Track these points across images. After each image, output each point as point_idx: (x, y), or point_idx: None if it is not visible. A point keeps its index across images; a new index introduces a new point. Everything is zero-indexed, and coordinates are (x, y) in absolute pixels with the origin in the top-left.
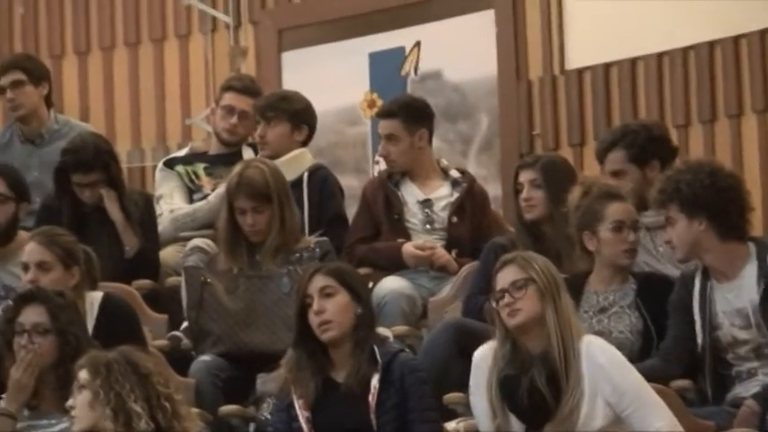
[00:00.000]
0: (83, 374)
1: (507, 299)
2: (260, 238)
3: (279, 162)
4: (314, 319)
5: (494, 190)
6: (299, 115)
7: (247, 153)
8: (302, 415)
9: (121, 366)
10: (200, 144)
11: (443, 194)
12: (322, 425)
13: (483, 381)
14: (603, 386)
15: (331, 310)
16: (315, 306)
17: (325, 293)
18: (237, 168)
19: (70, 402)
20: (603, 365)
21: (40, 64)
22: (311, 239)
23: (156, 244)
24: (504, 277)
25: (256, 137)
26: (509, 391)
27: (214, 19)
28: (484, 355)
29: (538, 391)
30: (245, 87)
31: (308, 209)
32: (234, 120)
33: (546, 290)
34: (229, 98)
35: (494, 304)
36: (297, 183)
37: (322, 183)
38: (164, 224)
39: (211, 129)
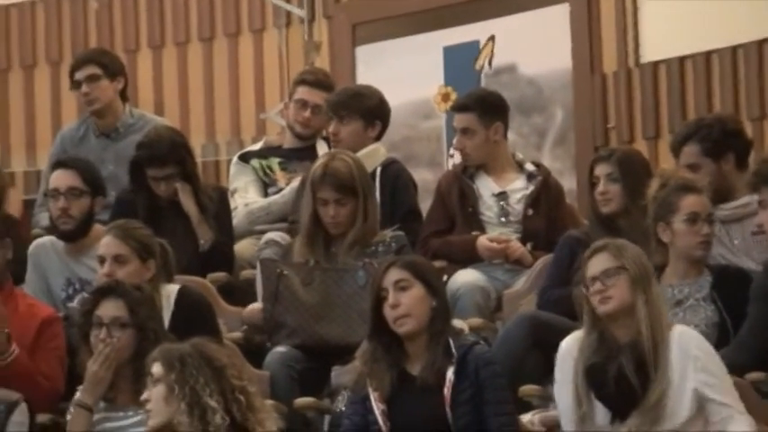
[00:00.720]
0: (156, 368)
1: (598, 286)
2: (340, 230)
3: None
4: (389, 313)
5: (568, 183)
6: (371, 112)
7: (321, 147)
8: (377, 407)
9: (195, 360)
10: (274, 138)
11: (519, 187)
12: (397, 417)
13: (568, 372)
14: (695, 376)
15: (406, 304)
16: (390, 299)
17: (401, 286)
18: (323, 159)
19: (145, 396)
20: (699, 356)
21: (116, 58)
22: (387, 233)
23: (230, 237)
24: (596, 265)
25: (330, 133)
26: (596, 379)
27: (288, 13)
28: (569, 347)
29: (625, 378)
30: (318, 81)
31: (380, 203)
32: (307, 113)
33: (637, 279)
34: (302, 92)
35: (584, 291)
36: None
37: (395, 177)
38: (238, 217)
39: (285, 123)
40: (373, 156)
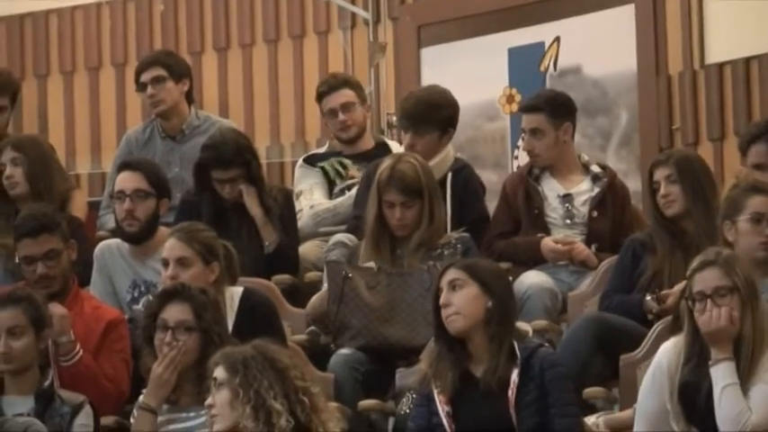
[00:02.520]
0: (220, 373)
1: (709, 305)
2: (405, 232)
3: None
4: (442, 312)
5: (633, 184)
6: (448, 121)
7: (394, 146)
8: (442, 409)
9: (258, 362)
10: (337, 143)
11: (584, 189)
12: (462, 419)
13: (660, 379)
14: None
15: (457, 303)
16: (441, 298)
17: (453, 285)
18: (389, 162)
19: (209, 401)
20: None
21: (181, 60)
22: (453, 235)
23: (295, 239)
24: (707, 280)
25: (404, 146)
26: (688, 399)
27: (353, 15)
28: (667, 352)
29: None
30: (333, 85)
31: (450, 208)
32: (341, 117)
33: (747, 299)
34: (326, 102)
35: (689, 304)
36: (441, 182)
37: (465, 182)
38: (304, 219)
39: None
40: (445, 160)
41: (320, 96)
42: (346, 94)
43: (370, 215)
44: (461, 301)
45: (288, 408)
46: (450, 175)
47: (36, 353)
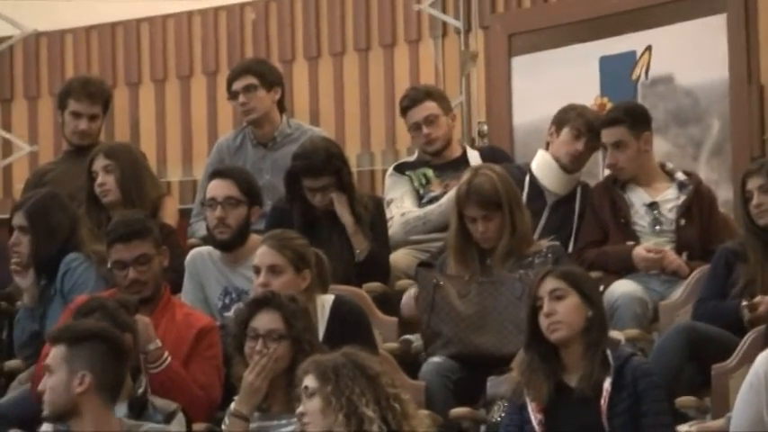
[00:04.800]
0: (310, 381)
1: None
2: (491, 244)
3: (572, 176)
4: (543, 321)
5: (725, 194)
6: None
7: (473, 156)
8: (535, 418)
9: (349, 370)
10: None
11: (670, 197)
12: (554, 428)
13: (757, 388)
14: None
15: (561, 312)
16: (545, 308)
17: (556, 296)
18: (466, 176)
19: (301, 409)
20: None
21: (273, 69)
22: (544, 243)
23: (386, 247)
24: None
25: (576, 150)
26: None
27: (444, 24)
28: (764, 361)
29: None
30: (415, 99)
31: (576, 222)
32: (426, 130)
33: None
34: (411, 116)
35: None
36: (570, 197)
37: (585, 197)
38: (395, 227)
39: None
40: (578, 176)
41: (404, 111)
42: (429, 107)
43: (451, 230)
44: (566, 312)
45: (380, 414)
46: (579, 190)
47: None
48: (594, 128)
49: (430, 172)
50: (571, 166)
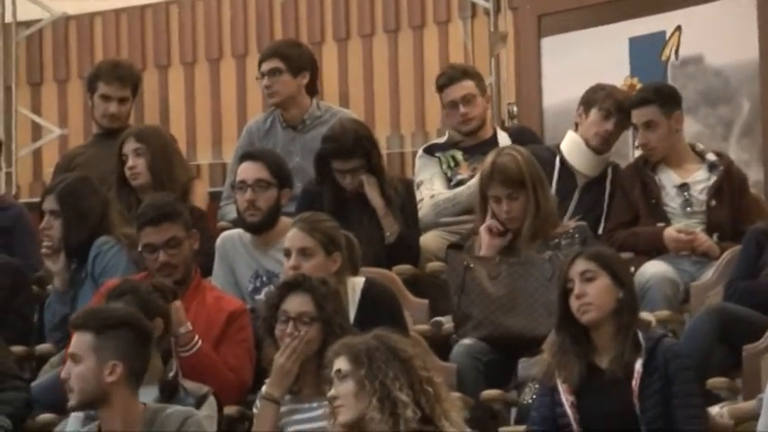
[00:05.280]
0: (343, 364)
1: None
2: (516, 224)
3: (602, 157)
4: (574, 303)
5: (755, 174)
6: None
7: (503, 139)
8: (566, 399)
9: (382, 353)
10: (456, 133)
11: (701, 178)
12: (586, 409)
13: None
14: None
15: (592, 294)
16: (576, 290)
17: (587, 277)
18: (490, 157)
19: (332, 392)
20: None
21: (304, 53)
22: (570, 224)
23: (416, 229)
24: None
25: (605, 131)
26: None
27: (473, 5)
28: None
29: None
30: (453, 76)
31: (607, 203)
32: (462, 109)
33: None
34: (446, 95)
35: None
36: (601, 178)
37: (614, 179)
38: (424, 210)
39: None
40: (607, 157)
41: (440, 88)
42: (467, 86)
43: (478, 212)
44: (597, 293)
45: (413, 398)
46: (610, 171)
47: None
48: (624, 108)
49: (459, 154)
50: (600, 146)
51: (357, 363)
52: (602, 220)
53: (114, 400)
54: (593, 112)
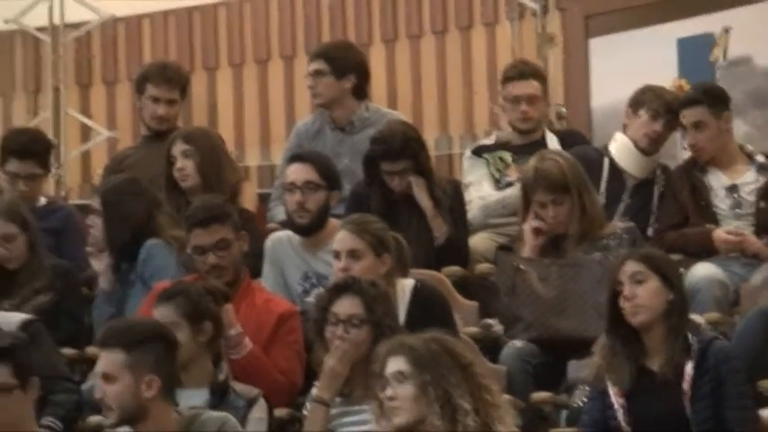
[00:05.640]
0: (403, 365)
1: None
2: (562, 229)
3: (651, 158)
4: (624, 305)
5: None
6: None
7: (551, 141)
8: (617, 402)
9: (445, 359)
10: (504, 134)
11: (750, 180)
12: (636, 412)
13: None
14: None
15: (642, 296)
16: (626, 292)
17: (636, 279)
18: (532, 162)
19: (390, 393)
20: None
21: (350, 56)
22: (618, 225)
23: (465, 231)
24: None
25: (654, 131)
26: None
27: (521, 6)
28: None
29: None
30: (522, 72)
31: (656, 205)
32: (523, 107)
33: None
34: (511, 88)
35: None
36: (650, 179)
37: (667, 180)
38: (473, 211)
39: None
40: (656, 158)
41: (507, 80)
42: (534, 86)
43: (520, 217)
44: (646, 295)
45: (473, 406)
46: (659, 171)
47: (196, 346)
48: (673, 108)
49: (507, 155)
50: (649, 148)
51: (419, 366)
52: (652, 222)
53: (152, 413)
54: (642, 114)
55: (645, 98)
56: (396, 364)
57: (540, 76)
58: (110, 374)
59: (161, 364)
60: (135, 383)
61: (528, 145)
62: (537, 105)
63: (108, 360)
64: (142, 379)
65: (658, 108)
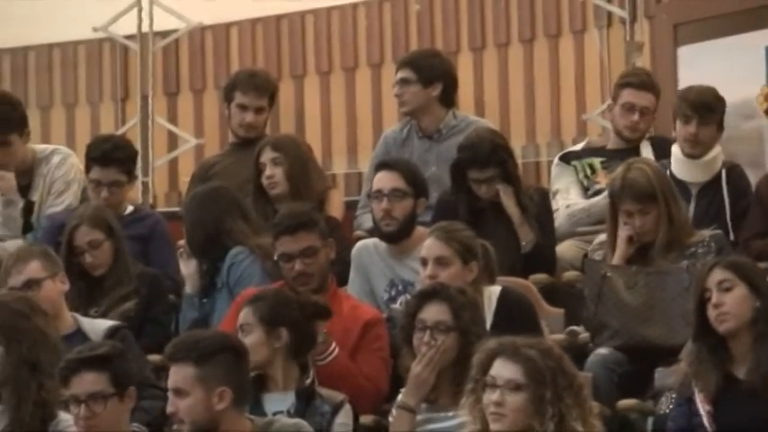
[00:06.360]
0: (517, 374)
1: None
2: (650, 237)
3: (702, 161)
4: (712, 312)
5: None
6: (723, 116)
7: (646, 149)
8: (703, 409)
9: (562, 378)
10: (596, 139)
11: None
12: (723, 419)
13: None
14: None
15: (729, 303)
16: (713, 299)
17: (724, 287)
18: (619, 171)
19: (496, 398)
20: None
21: (437, 64)
22: (706, 233)
23: (552, 239)
24: None
25: (689, 134)
26: None
27: (609, 14)
28: None
29: None
30: (643, 83)
31: (729, 207)
32: (635, 117)
33: None
34: (628, 95)
35: None
36: (714, 180)
37: (738, 179)
38: (560, 219)
39: (609, 124)
40: (718, 157)
41: (625, 85)
42: (650, 99)
43: (608, 226)
44: (734, 302)
45: (582, 426)
46: (724, 173)
47: (268, 350)
48: (701, 105)
49: (597, 162)
50: (693, 151)
51: (536, 380)
52: (728, 221)
53: (224, 424)
54: (678, 121)
55: (676, 105)
56: (509, 371)
57: (657, 90)
58: (181, 389)
59: (231, 376)
60: (206, 396)
61: (620, 150)
62: (647, 118)
63: (178, 374)
64: (213, 392)
65: (685, 110)
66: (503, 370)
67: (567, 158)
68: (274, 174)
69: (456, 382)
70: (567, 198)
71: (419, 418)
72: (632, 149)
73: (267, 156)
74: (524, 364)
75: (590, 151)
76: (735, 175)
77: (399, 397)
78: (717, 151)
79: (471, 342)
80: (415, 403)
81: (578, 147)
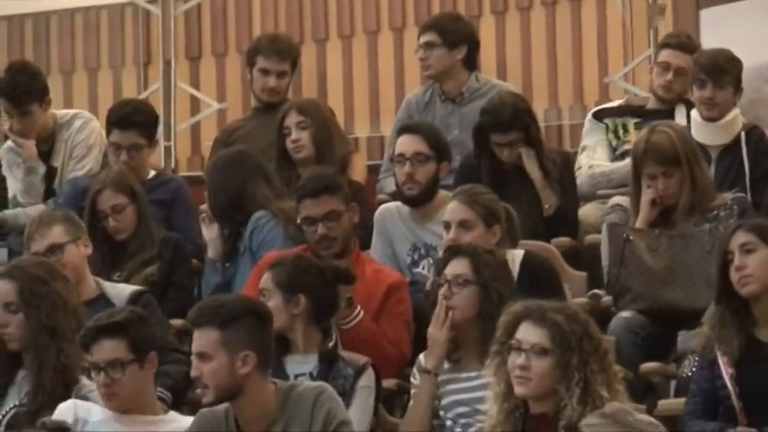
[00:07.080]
0: (543, 339)
1: None
2: (672, 201)
3: (720, 124)
4: (734, 275)
5: None
6: (740, 78)
7: (680, 112)
8: (726, 372)
9: (588, 344)
10: (637, 98)
11: None
12: (746, 382)
13: None
14: None
15: (752, 266)
16: (736, 261)
17: (747, 249)
18: (643, 134)
19: (521, 361)
20: None
21: (461, 27)
22: (728, 196)
23: (574, 202)
24: None
25: (705, 98)
26: None
27: None
28: None
29: None
30: (681, 44)
31: (748, 169)
32: (669, 76)
33: None
34: (665, 55)
35: None
36: (734, 141)
37: (757, 142)
38: (581, 178)
39: (632, 87)
40: (736, 120)
41: (665, 46)
42: (686, 61)
43: (631, 190)
44: (756, 265)
45: (609, 395)
46: (743, 135)
47: (287, 316)
48: (716, 67)
49: (631, 122)
50: (710, 114)
51: (562, 346)
52: (747, 183)
53: (249, 388)
54: (694, 86)
55: (692, 70)
56: (535, 336)
57: (693, 52)
58: (205, 353)
59: (255, 340)
60: (230, 360)
61: (657, 111)
62: (681, 79)
63: (202, 339)
64: (237, 356)
65: (698, 75)
66: (529, 334)
67: (600, 115)
68: (300, 137)
69: (482, 340)
70: (593, 157)
71: (441, 378)
72: (668, 111)
73: (292, 119)
74: (551, 328)
75: (626, 109)
76: (754, 137)
77: (419, 360)
78: (735, 113)
79: (491, 298)
80: (432, 365)
81: (615, 103)
